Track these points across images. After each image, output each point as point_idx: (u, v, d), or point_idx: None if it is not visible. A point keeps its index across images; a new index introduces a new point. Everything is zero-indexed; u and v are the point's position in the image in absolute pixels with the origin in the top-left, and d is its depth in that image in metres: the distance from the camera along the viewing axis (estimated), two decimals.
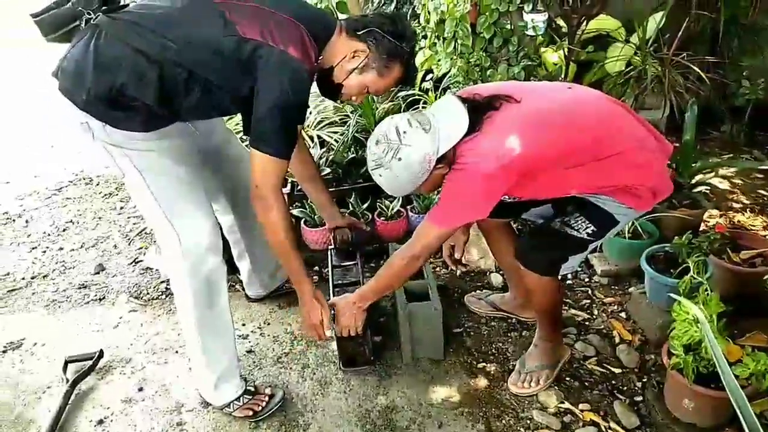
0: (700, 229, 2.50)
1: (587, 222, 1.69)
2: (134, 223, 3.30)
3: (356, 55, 1.64)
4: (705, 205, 2.49)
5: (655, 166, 1.67)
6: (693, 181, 2.54)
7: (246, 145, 1.79)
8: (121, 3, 1.60)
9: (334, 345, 2.08)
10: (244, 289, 2.46)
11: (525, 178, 1.54)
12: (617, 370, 1.97)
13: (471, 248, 2.58)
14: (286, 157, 1.61)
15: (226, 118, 2.24)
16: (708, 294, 1.62)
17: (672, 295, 1.59)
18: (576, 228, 1.70)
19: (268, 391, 1.94)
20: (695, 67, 2.80)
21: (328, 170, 2.97)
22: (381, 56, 1.64)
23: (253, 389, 1.93)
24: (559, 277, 1.82)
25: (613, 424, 1.76)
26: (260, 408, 1.89)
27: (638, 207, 1.68)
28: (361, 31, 1.64)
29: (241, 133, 2.87)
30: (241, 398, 1.89)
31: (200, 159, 1.85)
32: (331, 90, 1.73)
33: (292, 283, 1.83)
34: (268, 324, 2.34)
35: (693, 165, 2.53)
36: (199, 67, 1.53)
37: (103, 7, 1.53)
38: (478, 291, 2.40)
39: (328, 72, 1.67)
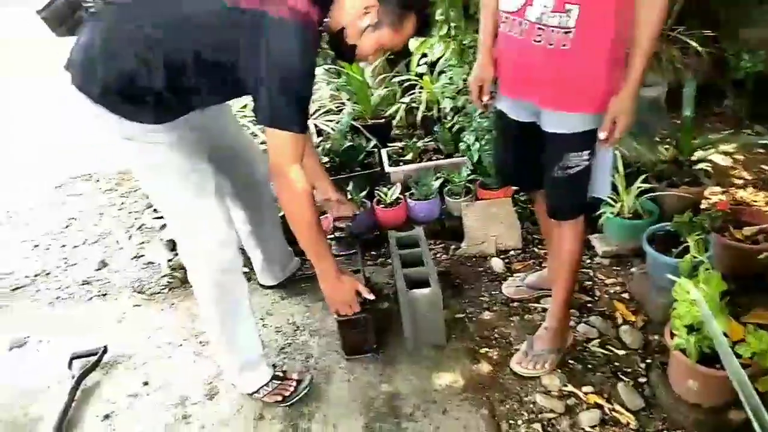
0: (702, 206, 2.48)
1: (577, 153, 1.64)
2: (135, 218, 3.29)
3: (367, 11, 1.55)
4: (706, 182, 2.47)
5: None
6: (693, 158, 2.51)
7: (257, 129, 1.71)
8: None
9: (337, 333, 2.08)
10: (255, 278, 2.47)
11: None
12: (621, 352, 1.96)
13: (471, 233, 2.57)
14: (303, 131, 1.55)
15: (235, 110, 2.18)
16: (709, 272, 1.61)
17: (669, 276, 1.58)
18: (574, 164, 1.65)
19: (295, 375, 1.95)
20: (692, 42, 2.77)
21: (325, 159, 2.95)
22: (393, 9, 1.56)
23: (281, 374, 1.94)
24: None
25: (617, 406, 1.76)
26: (289, 393, 1.89)
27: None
28: None
29: (251, 125, 2.89)
30: (270, 383, 1.90)
31: (211, 154, 1.82)
32: (346, 52, 1.65)
33: (313, 261, 1.75)
34: (271, 315, 2.34)
35: (693, 141, 2.50)
36: (203, 46, 1.48)
37: None
38: (510, 279, 2.35)
39: (339, 34, 1.60)
